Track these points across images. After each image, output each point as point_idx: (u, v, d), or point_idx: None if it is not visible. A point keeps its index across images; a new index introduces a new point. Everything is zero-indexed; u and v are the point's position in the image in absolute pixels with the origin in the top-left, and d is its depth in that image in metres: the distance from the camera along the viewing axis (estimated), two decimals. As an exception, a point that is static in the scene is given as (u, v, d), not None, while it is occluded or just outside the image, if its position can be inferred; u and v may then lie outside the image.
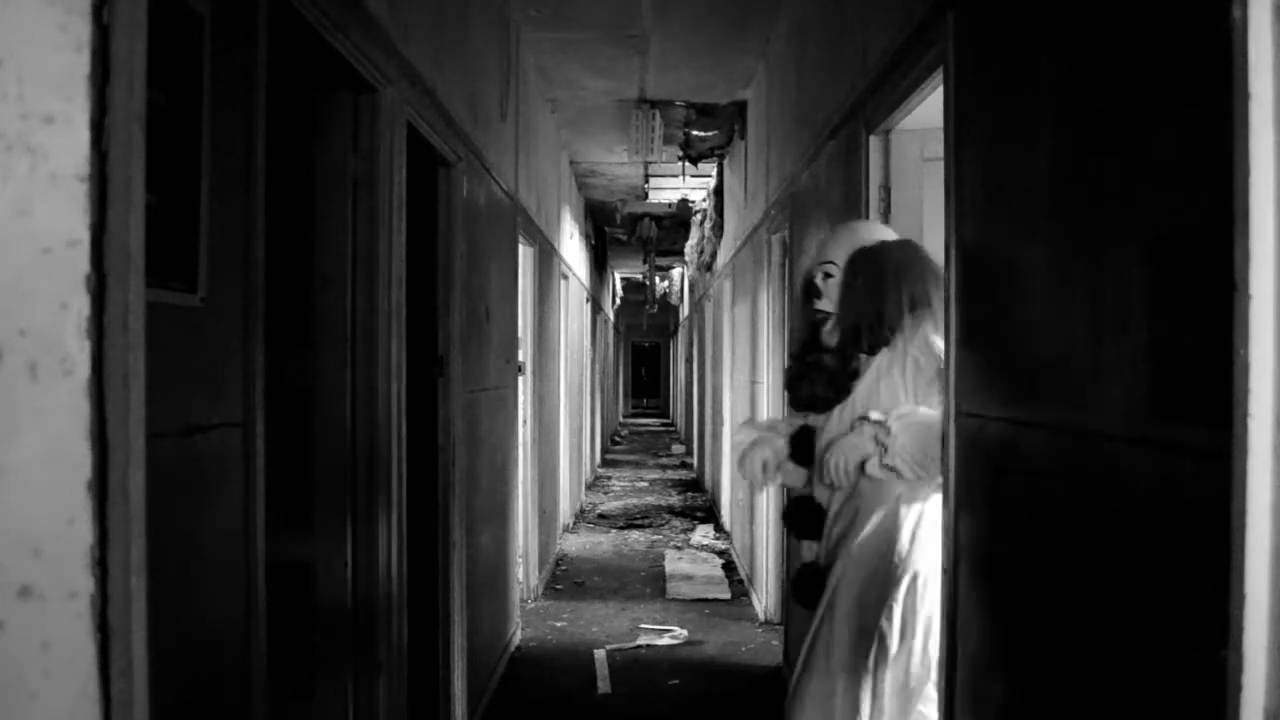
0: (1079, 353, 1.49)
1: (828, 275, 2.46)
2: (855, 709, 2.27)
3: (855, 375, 2.36)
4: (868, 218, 2.96)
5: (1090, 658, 1.45)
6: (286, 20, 1.94)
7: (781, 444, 2.53)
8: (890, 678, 2.27)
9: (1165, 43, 1.26)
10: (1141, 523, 1.29)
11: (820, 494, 2.41)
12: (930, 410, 2.24)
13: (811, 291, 2.49)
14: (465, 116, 3.62)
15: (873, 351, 2.35)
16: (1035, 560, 1.68)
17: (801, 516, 2.47)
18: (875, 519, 2.31)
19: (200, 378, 1.55)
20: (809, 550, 2.50)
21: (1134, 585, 1.32)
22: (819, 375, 2.41)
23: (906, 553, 2.27)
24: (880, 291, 2.36)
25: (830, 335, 2.45)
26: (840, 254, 2.46)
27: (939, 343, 2.25)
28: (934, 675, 2.28)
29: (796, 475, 2.55)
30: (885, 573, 2.28)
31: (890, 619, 2.26)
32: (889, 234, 2.52)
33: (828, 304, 2.45)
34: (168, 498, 1.39)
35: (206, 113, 1.54)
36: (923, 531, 2.29)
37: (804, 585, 2.44)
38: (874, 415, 2.28)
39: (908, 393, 2.30)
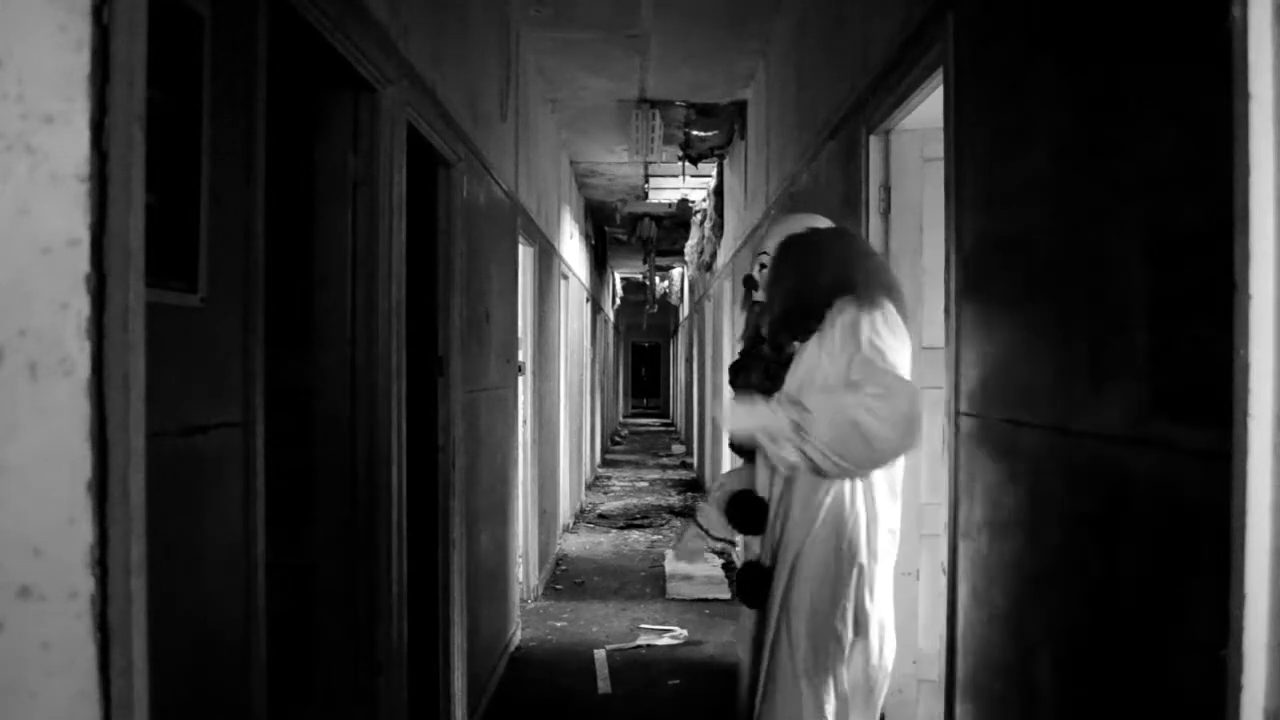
0: (1079, 352, 1.49)
1: (762, 266, 2.45)
2: (820, 712, 2.25)
3: (788, 363, 2.32)
4: (868, 217, 2.96)
5: (1090, 658, 1.45)
6: (286, 20, 1.94)
7: (715, 515, 2.51)
8: (849, 678, 2.24)
9: (1165, 42, 1.26)
10: (1141, 523, 1.29)
11: (761, 487, 2.38)
12: (853, 398, 2.15)
13: (749, 283, 2.49)
14: (465, 116, 3.62)
15: (802, 338, 2.31)
16: (1035, 560, 1.68)
17: (744, 511, 2.41)
18: (822, 512, 2.25)
19: (200, 378, 1.55)
20: (750, 548, 2.48)
21: (1134, 585, 1.32)
22: (756, 365, 2.39)
23: (855, 546, 2.24)
24: (802, 278, 2.35)
25: (764, 325, 2.43)
26: (773, 244, 2.45)
27: (866, 327, 2.20)
28: (888, 668, 2.27)
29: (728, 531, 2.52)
30: (838, 568, 2.24)
31: (844, 619, 2.23)
32: (822, 223, 2.49)
33: (762, 294, 2.44)
34: (168, 498, 1.39)
35: (206, 113, 1.54)
36: (873, 525, 2.25)
37: (749, 584, 2.38)
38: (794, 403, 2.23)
39: (830, 379, 2.24)
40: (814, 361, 2.25)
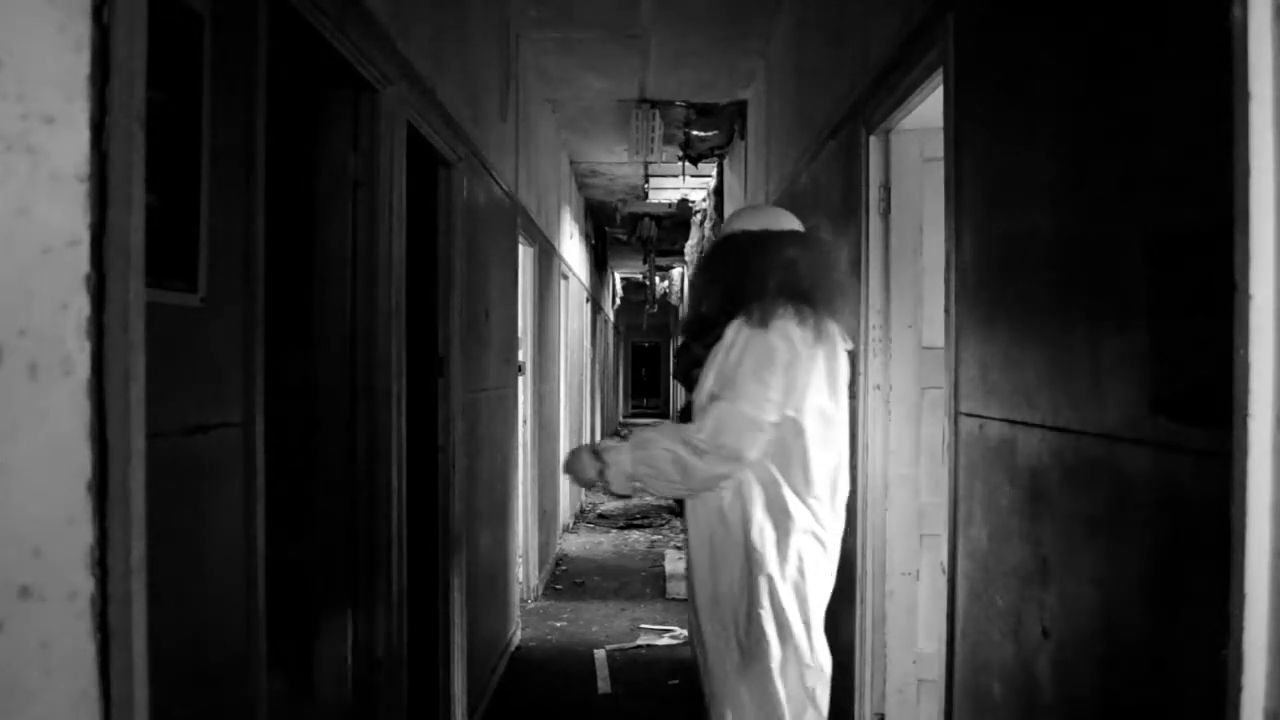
0: (1079, 352, 1.49)
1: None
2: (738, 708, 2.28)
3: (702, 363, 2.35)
4: (868, 217, 2.96)
5: (1090, 658, 1.45)
6: (286, 20, 1.94)
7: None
8: (786, 689, 2.24)
9: (1165, 42, 1.26)
10: (1141, 522, 1.29)
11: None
12: (728, 405, 2.19)
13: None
14: (465, 116, 3.62)
15: (706, 345, 2.33)
16: (1035, 560, 1.68)
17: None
18: (713, 516, 2.29)
19: (200, 378, 1.55)
20: None
21: (1134, 585, 1.32)
22: (684, 357, 2.43)
23: (759, 556, 2.24)
24: (709, 279, 2.38)
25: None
26: (720, 235, 2.48)
27: (736, 349, 2.23)
28: (827, 672, 2.28)
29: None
30: (745, 580, 2.25)
31: (761, 626, 2.23)
32: (784, 223, 2.43)
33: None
34: (168, 498, 1.39)
35: (206, 113, 1.54)
36: (781, 530, 2.25)
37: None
38: (598, 445, 2.32)
39: (703, 394, 2.27)
40: (710, 362, 2.29)
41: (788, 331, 2.22)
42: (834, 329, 2.31)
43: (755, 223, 2.44)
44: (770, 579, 2.23)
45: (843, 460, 2.34)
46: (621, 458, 2.26)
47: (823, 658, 2.28)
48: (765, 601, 2.23)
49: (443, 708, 3.50)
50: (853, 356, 2.85)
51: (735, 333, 2.24)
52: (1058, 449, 1.58)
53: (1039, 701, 1.66)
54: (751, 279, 2.28)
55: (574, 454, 2.37)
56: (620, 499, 2.41)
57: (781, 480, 2.24)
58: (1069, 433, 1.53)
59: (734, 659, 2.28)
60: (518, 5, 4.77)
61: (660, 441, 2.24)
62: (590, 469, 2.30)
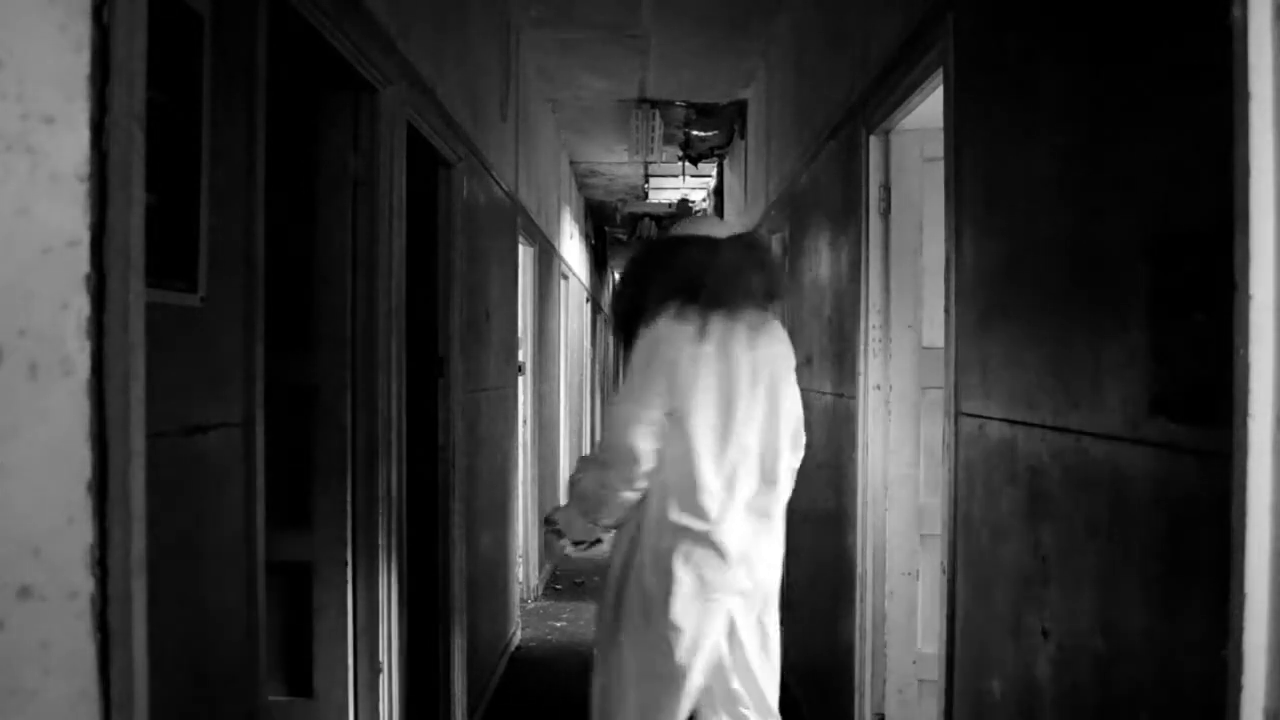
0: (1079, 352, 1.49)
1: None
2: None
3: None
4: (868, 217, 2.96)
5: (1090, 658, 1.45)
6: (286, 20, 1.94)
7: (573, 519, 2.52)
8: (637, 667, 2.30)
9: (1165, 42, 1.26)
10: (1141, 522, 1.29)
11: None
12: (613, 408, 2.35)
13: None
14: (465, 116, 3.62)
15: (621, 339, 2.46)
16: (1034, 560, 1.68)
17: None
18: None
19: (200, 378, 1.55)
20: None
21: (1134, 585, 1.32)
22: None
23: (641, 544, 2.34)
24: (622, 282, 2.51)
25: None
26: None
27: (648, 333, 2.28)
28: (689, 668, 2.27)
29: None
30: (618, 555, 2.38)
31: (628, 606, 2.34)
32: (722, 230, 2.50)
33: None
34: (168, 498, 1.39)
35: (206, 113, 1.54)
36: (653, 536, 2.31)
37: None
38: (548, 515, 2.53)
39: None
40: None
41: (672, 330, 2.28)
42: (738, 326, 2.33)
43: (676, 229, 2.54)
44: (641, 566, 2.30)
45: (746, 455, 2.32)
46: (568, 511, 2.42)
47: (686, 656, 2.25)
48: (632, 585, 2.31)
49: (443, 707, 3.50)
50: (847, 356, 2.87)
51: (639, 335, 2.35)
52: (1058, 449, 1.58)
53: (1039, 701, 1.66)
54: (652, 281, 2.37)
55: (544, 537, 2.59)
56: (595, 543, 2.61)
57: (667, 473, 2.28)
58: (1069, 433, 1.53)
59: (605, 632, 2.38)
60: (518, 5, 4.77)
61: (584, 475, 2.37)
62: (553, 539, 2.49)
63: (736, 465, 2.30)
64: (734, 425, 2.30)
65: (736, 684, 2.32)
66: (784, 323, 2.66)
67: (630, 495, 2.29)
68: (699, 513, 2.24)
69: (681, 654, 2.24)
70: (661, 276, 2.37)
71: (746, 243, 2.48)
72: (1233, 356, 1.02)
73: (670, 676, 2.26)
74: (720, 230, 2.51)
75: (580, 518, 2.39)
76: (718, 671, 2.31)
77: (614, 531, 2.42)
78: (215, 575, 1.62)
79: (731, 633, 2.31)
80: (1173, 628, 1.21)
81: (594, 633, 2.47)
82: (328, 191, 2.62)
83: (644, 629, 2.28)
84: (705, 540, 2.25)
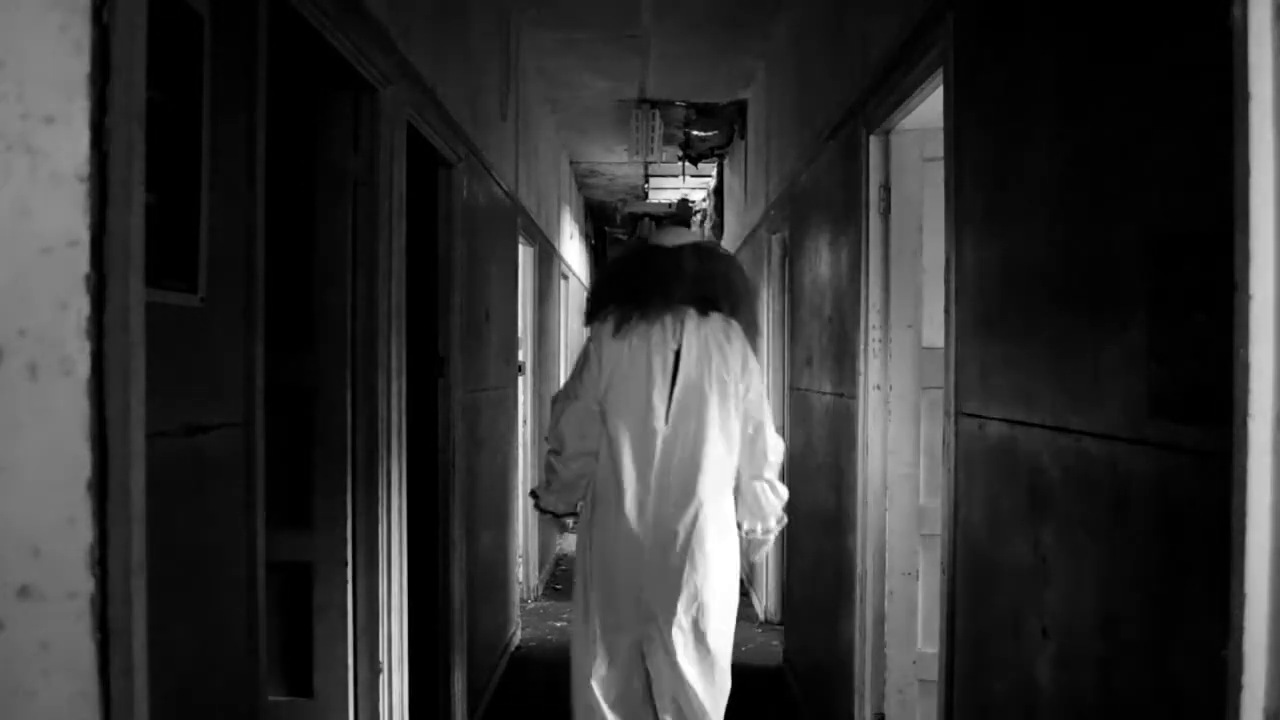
0: (1079, 352, 1.49)
1: None
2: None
3: None
4: (868, 217, 2.97)
5: (1090, 658, 1.45)
6: (286, 20, 1.94)
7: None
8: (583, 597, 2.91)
9: (1166, 42, 1.26)
10: (1141, 523, 1.29)
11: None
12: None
13: None
14: (465, 116, 3.62)
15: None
16: (1034, 560, 1.68)
17: None
18: None
19: (200, 378, 1.55)
20: None
21: (1134, 585, 1.32)
22: None
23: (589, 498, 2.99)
24: (588, 296, 3.12)
25: None
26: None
27: (584, 347, 2.94)
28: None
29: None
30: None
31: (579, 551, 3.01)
32: (669, 239, 2.98)
33: None
34: (168, 498, 1.39)
35: (206, 113, 1.54)
36: (594, 484, 2.93)
37: None
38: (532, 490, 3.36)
39: None
40: None
41: (598, 331, 2.90)
42: (662, 324, 2.83)
43: (669, 238, 3.02)
44: (591, 506, 2.91)
45: (654, 434, 2.81)
46: (540, 485, 3.13)
47: (604, 590, 2.83)
48: (583, 537, 2.93)
49: (443, 707, 3.51)
50: (847, 356, 2.89)
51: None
52: (1058, 449, 1.58)
53: (1039, 702, 1.66)
54: (601, 290, 3.01)
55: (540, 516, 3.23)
56: (571, 515, 3.12)
57: (602, 447, 2.88)
58: (1069, 433, 1.53)
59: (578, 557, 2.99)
60: (518, 5, 4.77)
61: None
62: (544, 518, 3.18)
63: (658, 447, 2.80)
64: (654, 416, 2.80)
65: (647, 594, 2.81)
66: (748, 316, 2.99)
67: (565, 470, 2.95)
68: (622, 481, 2.80)
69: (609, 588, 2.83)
70: (606, 286, 2.99)
71: (692, 250, 2.93)
72: (1233, 356, 1.02)
73: (605, 567, 2.83)
74: (673, 239, 2.98)
75: (545, 490, 3.07)
76: (662, 591, 2.80)
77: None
78: (215, 575, 1.62)
79: (640, 550, 2.80)
80: (1173, 628, 1.21)
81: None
82: (328, 191, 2.62)
83: (583, 564, 2.90)
84: (621, 500, 2.79)
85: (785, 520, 3.06)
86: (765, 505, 2.95)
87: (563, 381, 3.45)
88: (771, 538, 3.06)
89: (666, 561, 2.76)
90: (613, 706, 2.84)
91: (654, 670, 2.82)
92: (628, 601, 2.80)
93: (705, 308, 2.87)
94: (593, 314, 2.95)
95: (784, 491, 3.00)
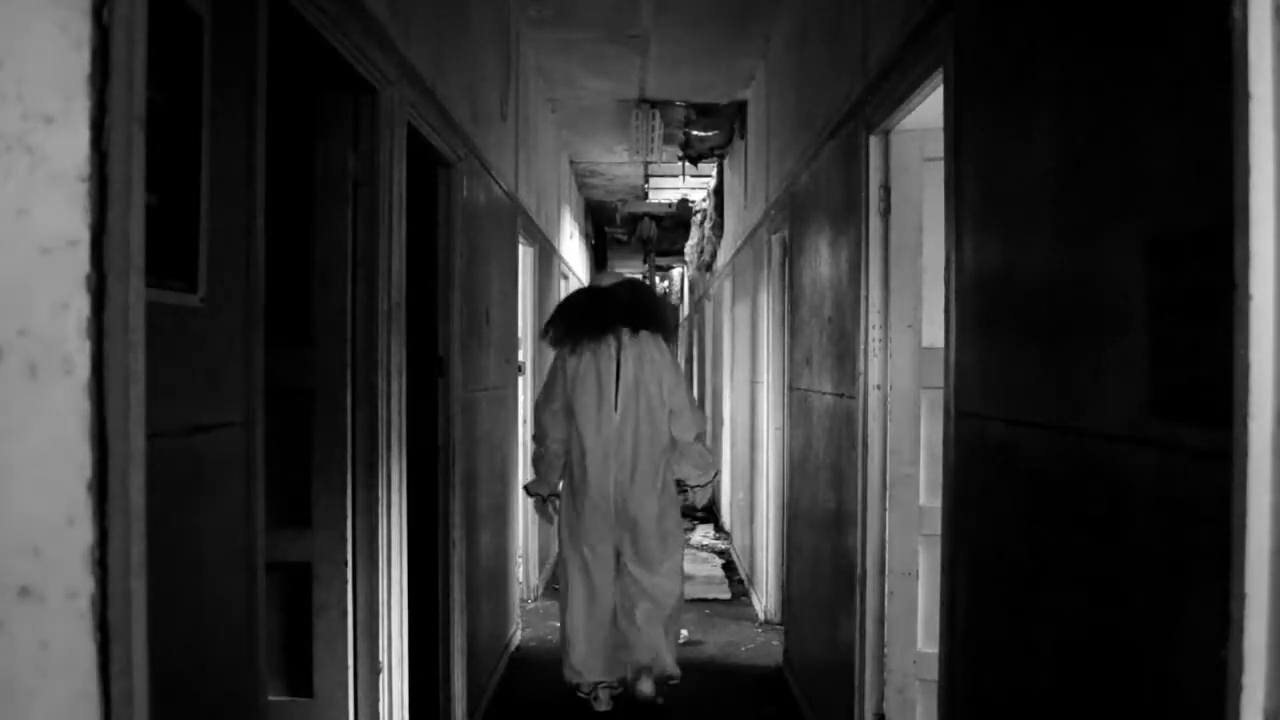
0: (1079, 352, 1.49)
1: None
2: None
3: None
4: (868, 217, 2.97)
5: (1090, 658, 1.45)
6: (286, 20, 1.94)
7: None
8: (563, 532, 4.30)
9: (1165, 43, 1.26)
10: (1141, 522, 1.29)
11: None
12: None
13: None
14: (465, 116, 3.62)
15: None
16: (1034, 560, 1.68)
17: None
18: None
19: (200, 378, 1.55)
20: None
21: (1134, 585, 1.32)
22: None
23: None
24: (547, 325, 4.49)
25: None
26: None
27: (552, 364, 4.31)
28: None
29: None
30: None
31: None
32: (608, 280, 4.48)
33: None
34: (168, 498, 1.39)
35: (206, 113, 1.54)
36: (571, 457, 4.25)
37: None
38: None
39: None
40: None
41: (560, 351, 4.22)
42: (603, 345, 4.11)
43: (606, 279, 4.53)
44: (570, 478, 4.23)
45: (616, 420, 4.11)
46: (530, 482, 4.41)
47: (580, 517, 4.18)
48: (565, 497, 4.27)
49: (443, 707, 3.50)
50: (847, 356, 2.87)
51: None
52: (1058, 449, 1.58)
53: (1039, 702, 1.66)
54: (554, 323, 4.33)
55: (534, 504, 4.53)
56: (555, 496, 4.35)
57: (571, 436, 4.19)
58: (1069, 433, 1.53)
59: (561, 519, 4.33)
60: (518, 5, 4.77)
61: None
62: (535, 500, 4.43)
63: (610, 431, 4.09)
64: (604, 409, 4.09)
65: (632, 555, 4.16)
66: (665, 331, 4.26)
67: (547, 452, 4.22)
68: (585, 457, 4.10)
69: (586, 500, 4.15)
70: (562, 315, 4.31)
71: (622, 286, 4.32)
72: (1233, 356, 1.02)
73: (578, 514, 4.17)
74: (609, 280, 4.42)
75: (534, 481, 4.36)
76: (623, 531, 4.14)
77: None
78: (215, 575, 1.62)
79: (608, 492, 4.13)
80: (1173, 628, 1.21)
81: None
82: (327, 191, 2.62)
83: (570, 504, 4.22)
84: (583, 470, 4.12)
85: (717, 474, 4.72)
86: (699, 459, 4.23)
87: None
88: (708, 486, 4.36)
89: (623, 505, 4.10)
90: (588, 614, 4.16)
91: (623, 580, 4.16)
92: (599, 533, 4.12)
93: (636, 328, 4.12)
94: (554, 338, 4.25)
95: (709, 454, 4.36)
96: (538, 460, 4.25)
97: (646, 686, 4.14)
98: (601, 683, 4.19)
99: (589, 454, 4.06)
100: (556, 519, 4.25)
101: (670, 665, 4.20)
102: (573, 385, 4.08)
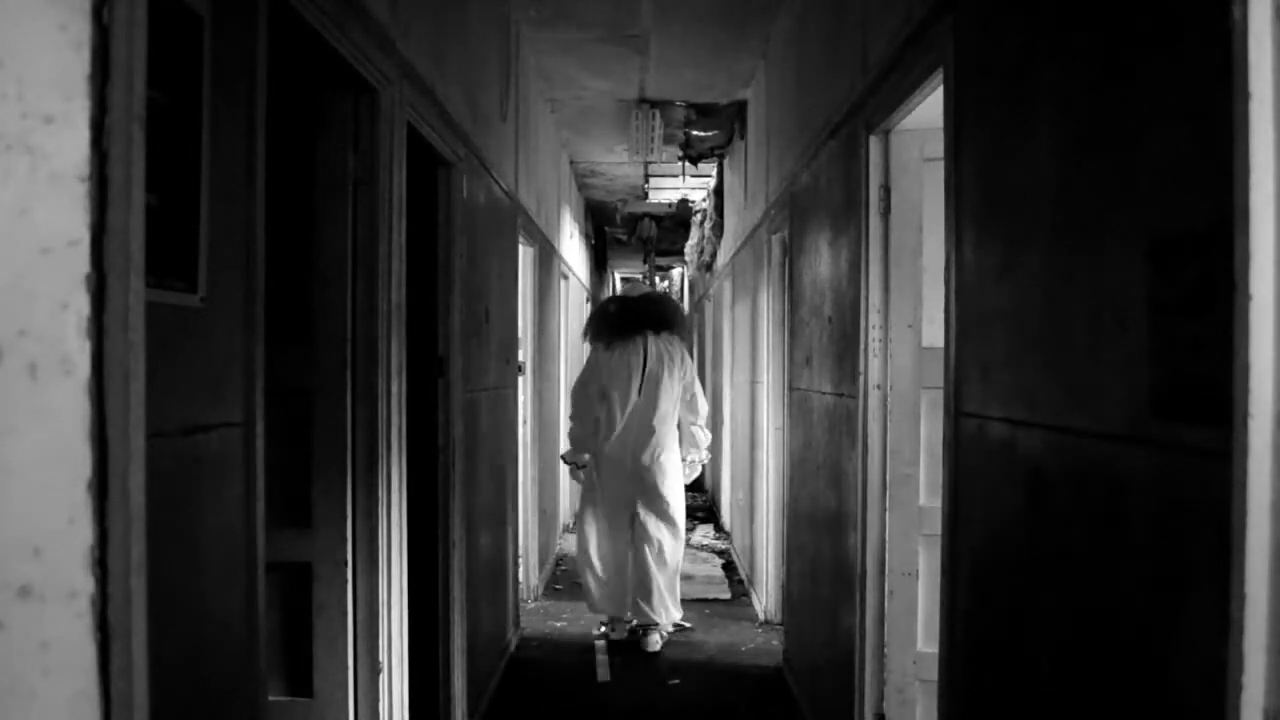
0: (1079, 352, 1.49)
1: None
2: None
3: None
4: (868, 217, 2.97)
5: (1090, 658, 1.45)
6: (286, 20, 1.94)
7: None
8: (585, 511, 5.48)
9: (1166, 43, 1.26)
10: (1141, 523, 1.29)
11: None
12: None
13: None
14: (465, 116, 3.62)
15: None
16: (1034, 560, 1.68)
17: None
18: None
19: (200, 377, 1.55)
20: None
21: (1134, 585, 1.32)
22: None
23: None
24: (586, 326, 5.69)
25: None
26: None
27: (589, 357, 5.46)
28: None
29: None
30: None
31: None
32: (633, 290, 5.77)
33: None
34: (168, 498, 1.39)
35: (206, 113, 1.53)
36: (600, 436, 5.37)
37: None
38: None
39: None
40: None
41: (595, 348, 5.36)
42: (632, 343, 5.24)
43: (633, 289, 5.80)
44: (599, 452, 5.33)
45: (640, 407, 5.25)
46: (566, 453, 5.57)
47: (599, 498, 5.36)
48: (590, 468, 5.39)
49: (443, 707, 3.50)
50: (847, 356, 2.88)
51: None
52: (1058, 449, 1.58)
53: (1039, 702, 1.66)
54: (592, 324, 5.50)
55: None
56: (584, 466, 5.43)
57: (603, 416, 5.28)
58: (1069, 433, 1.53)
59: (585, 489, 5.51)
60: (518, 5, 4.77)
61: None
62: (570, 466, 5.57)
63: (632, 410, 5.21)
64: (631, 393, 5.20)
65: (630, 486, 5.26)
66: (685, 336, 5.50)
67: (581, 428, 5.35)
68: (613, 430, 5.22)
69: (611, 472, 5.31)
70: (594, 322, 5.46)
71: (646, 297, 5.50)
72: (1232, 356, 1.02)
73: (601, 485, 5.33)
74: (635, 292, 5.62)
75: (569, 451, 5.48)
76: (638, 491, 5.27)
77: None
78: (215, 575, 1.62)
79: (633, 471, 5.27)
80: (1173, 628, 1.21)
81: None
82: (327, 191, 2.62)
83: (594, 467, 5.35)
84: (611, 441, 5.25)
85: (709, 455, 5.81)
86: (699, 439, 5.44)
87: (565, 380, 5.48)
88: (701, 462, 5.53)
89: (639, 469, 5.22)
90: (603, 557, 5.24)
91: (637, 527, 5.21)
92: (618, 491, 5.25)
93: (658, 329, 5.26)
94: (594, 335, 5.39)
95: (709, 436, 5.53)
96: (574, 433, 5.35)
97: (653, 640, 5.12)
98: (617, 618, 5.28)
99: (615, 425, 5.20)
100: (588, 478, 5.36)
101: (675, 612, 5.26)
102: (607, 374, 5.21)
